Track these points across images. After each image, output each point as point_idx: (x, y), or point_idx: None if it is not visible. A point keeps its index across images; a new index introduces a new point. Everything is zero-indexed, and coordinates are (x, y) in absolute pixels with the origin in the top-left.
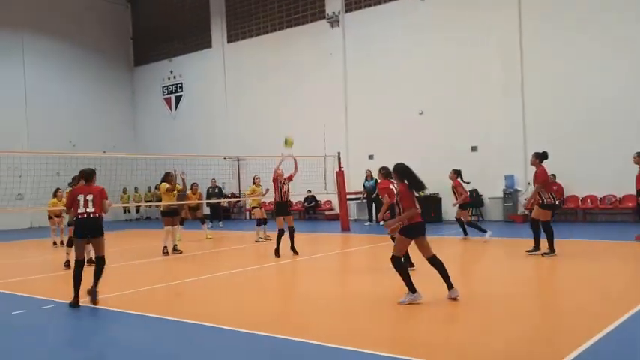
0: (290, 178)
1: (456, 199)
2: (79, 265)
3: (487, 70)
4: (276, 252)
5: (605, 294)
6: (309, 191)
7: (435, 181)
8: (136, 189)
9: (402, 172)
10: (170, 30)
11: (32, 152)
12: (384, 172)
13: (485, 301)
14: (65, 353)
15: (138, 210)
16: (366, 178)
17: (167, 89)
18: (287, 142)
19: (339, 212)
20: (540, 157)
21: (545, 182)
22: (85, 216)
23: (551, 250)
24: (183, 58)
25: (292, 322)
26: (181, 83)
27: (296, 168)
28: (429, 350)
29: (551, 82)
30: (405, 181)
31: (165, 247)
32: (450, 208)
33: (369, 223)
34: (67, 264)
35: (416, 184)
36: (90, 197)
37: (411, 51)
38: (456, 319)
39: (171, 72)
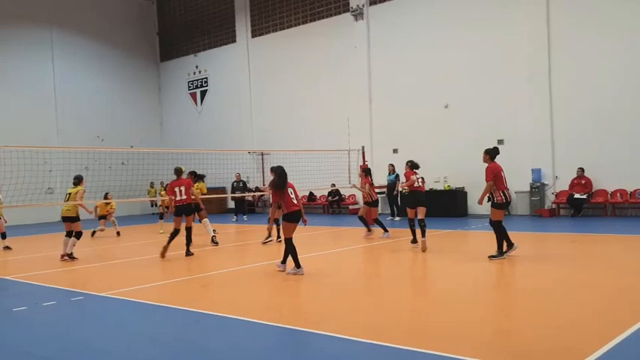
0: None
1: (366, 197)
2: (176, 232)
3: (514, 62)
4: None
5: (632, 291)
6: (334, 185)
7: (461, 175)
8: (161, 183)
9: (275, 170)
10: (195, 25)
11: (62, 147)
12: (409, 163)
13: (499, 296)
14: (91, 343)
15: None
16: (389, 172)
17: (192, 84)
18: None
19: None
20: (491, 152)
21: (494, 179)
22: (181, 203)
23: (500, 252)
24: (208, 53)
25: (316, 316)
26: (206, 78)
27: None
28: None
29: (580, 74)
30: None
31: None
32: (474, 203)
33: (390, 217)
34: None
35: (278, 182)
36: (182, 189)
37: (435, 43)
38: (464, 313)
39: (197, 67)
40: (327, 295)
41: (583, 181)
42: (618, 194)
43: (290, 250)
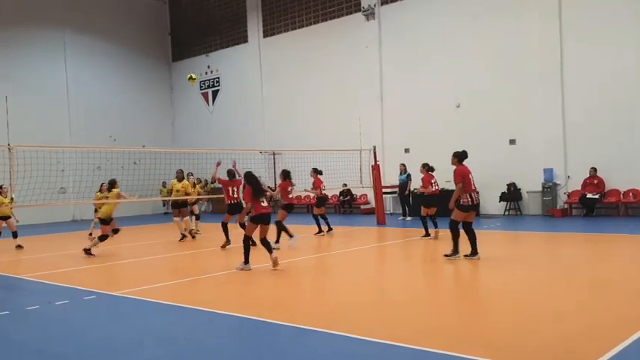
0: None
1: (285, 200)
2: (225, 224)
3: (526, 61)
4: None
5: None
6: (345, 185)
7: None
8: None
9: (247, 178)
10: (207, 25)
11: (74, 147)
12: (426, 167)
13: (517, 296)
14: (104, 340)
15: None
16: (400, 172)
17: (204, 84)
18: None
19: (374, 206)
20: (459, 156)
21: (461, 182)
22: (234, 201)
23: (455, 251)
24: (220, 53)
25: (328, 315)
26: (218, 78)
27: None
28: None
29: (592, 73)
30: (249, 185)
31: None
32: (487, 203)
33: (402, 217)
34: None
35: (256, 190)
36: (235, 188)
37: (447, 43)
38: (482, 313)
39: (209, 67)
40: (339, 295)
41: (595, 181)
42: (631, 194)
43: (245, 248)
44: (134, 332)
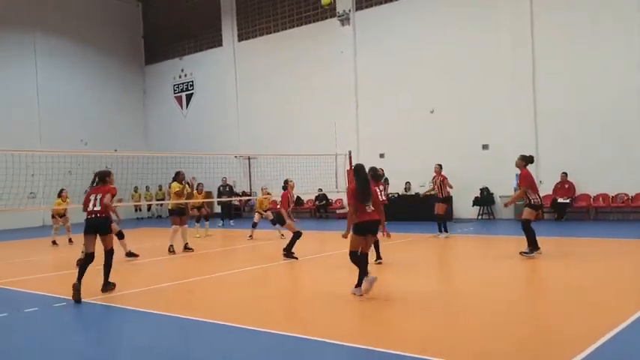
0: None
1: (441, 193)
2: (89, 258)
3: (499, 68)
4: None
5: (614, 293)
6: (320, 189)
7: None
8: (147, 187)
9: (357, 171)
10: (181, 28)
11: (44, 151)
12: (372, 172)
13: (485, 299)
14: (77, 350)
15: (149, 208)
16: None
17: (178, 88)
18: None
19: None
20: (526, 159)
21: (530, 185)
22: (92, 215)
23: (535, 248)
24: (194, 56)
25: (299, 319)
26: (192, 81)
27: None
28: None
29: (564, 80)
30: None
31: (172, 245)
32: (460, 207)
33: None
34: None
35: (362, 187)
36: (99, 197)
37: (422, 49)
38: (455, 317)
39: (182, 70)
40: (320, 303)
41: (566, 186)
42: (600, 199)
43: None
44: (106, 340)
